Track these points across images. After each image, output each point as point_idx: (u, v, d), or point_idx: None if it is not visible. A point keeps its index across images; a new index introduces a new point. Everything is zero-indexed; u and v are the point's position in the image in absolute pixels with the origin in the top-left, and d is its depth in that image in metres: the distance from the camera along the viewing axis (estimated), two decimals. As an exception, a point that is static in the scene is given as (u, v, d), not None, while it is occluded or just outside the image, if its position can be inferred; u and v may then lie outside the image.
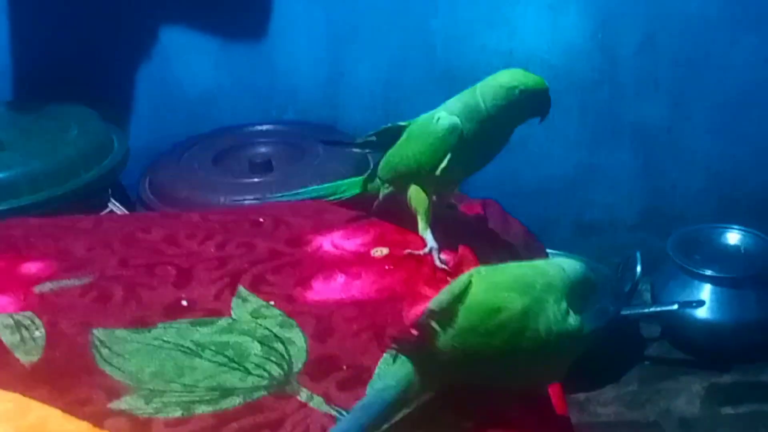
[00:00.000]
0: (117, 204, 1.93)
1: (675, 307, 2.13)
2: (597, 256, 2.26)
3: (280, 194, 1.41)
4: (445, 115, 1.19)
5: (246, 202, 1.85)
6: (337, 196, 1.31)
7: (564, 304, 0.93)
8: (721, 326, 2.17)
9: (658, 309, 2.19)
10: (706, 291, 2.18)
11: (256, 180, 1.99)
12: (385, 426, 0.88)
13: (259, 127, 2.22)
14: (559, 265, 0.97)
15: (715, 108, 2.27)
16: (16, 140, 1.96)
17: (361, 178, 1.31)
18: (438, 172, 1.18)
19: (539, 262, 0.99)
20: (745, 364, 2.19)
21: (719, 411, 2.08)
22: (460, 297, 0.91)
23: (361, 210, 1.29)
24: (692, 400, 2.11)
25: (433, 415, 0.90)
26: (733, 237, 2.29)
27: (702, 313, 2.16)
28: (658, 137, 2.31)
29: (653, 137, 2.31)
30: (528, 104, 1.18)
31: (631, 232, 2.39)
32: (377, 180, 1.27)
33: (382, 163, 1.26)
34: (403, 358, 0.91)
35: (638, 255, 2.22)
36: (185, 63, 2.24)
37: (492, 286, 0.93)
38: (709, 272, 2.18)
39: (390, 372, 0.94)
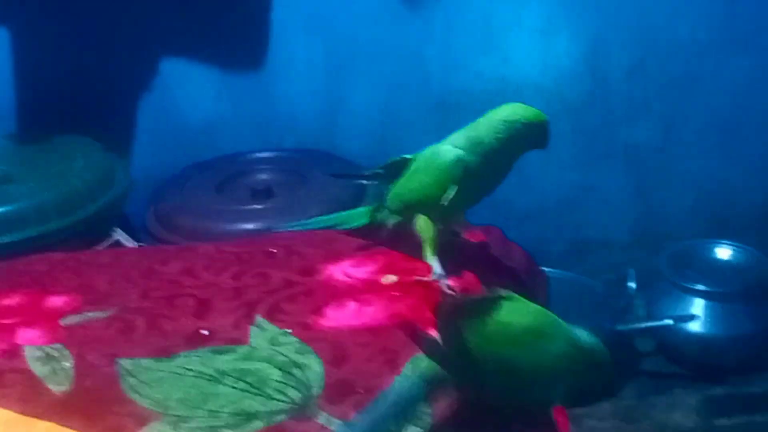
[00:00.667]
0: (122, 233, 1.97)
1: (669, 322, 2.18)
2: (592, 274, 2.32)
3: (290, 224, 1.45)
4: (450, 149, 1.24)
5: (251, 227, 1.91)
6: (345, 226, 1.36)
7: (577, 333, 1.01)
8: (714, 340, 2.22)
9: (652, 324, 2.24)
10: (698, 306, 2.23)
11: (258, 207, 2.04)
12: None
13: (259, 155, 2.27)
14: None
15: (705, 129, 2.32)
16: (22, 173, 1.98)
17: (368, 207, 1.36)
18: (443, 202, 1.23)
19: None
20: (738, 376, 2.24)
21: (714, 423, 2.13)
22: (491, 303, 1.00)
23: (370, 239, 1.34)
24: (687, 412, 2.16)
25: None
26: (724, 252, 2.34)
27: (695, 327, 2.21)
28: (649, 158, 2.36)
29: (645, 158, 2.36)
30: (528, 137, 1.24)
31: (625, 249, 2.44)
32: (385, 210, 1.32)
33: (390, 194, 1.31)
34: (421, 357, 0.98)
35: (632, 272, 2.28)
36: (186, 93, 2.28)
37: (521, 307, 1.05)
38: (701, 287, 2.22)
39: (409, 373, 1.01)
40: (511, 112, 1.24)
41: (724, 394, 2.21)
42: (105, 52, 2.22)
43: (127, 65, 2.25)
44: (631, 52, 2.25)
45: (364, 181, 1.34)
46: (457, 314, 1.05)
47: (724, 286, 2.24)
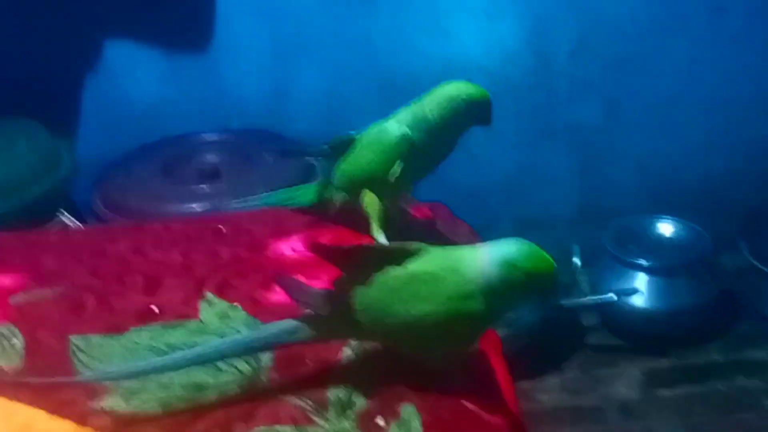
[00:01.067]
0: (68, 216, 1.95)
1: (612, 296, 2.22)
2: (537, 251, 2.35)
3: (237, 201, 1.46)
4: (396, 125, 1.26)
5: (198, 208, 1.91)
6: (293, 202, 1.37)
7: (470, 287, 0.98)
8: (657, 313, 2.27)
9: (596, 298, 2.27)
10: (641, 280, 2.28)
11: (205, 187, 2.04)
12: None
13: (206, 137, 2.27)
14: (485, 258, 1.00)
15: (646, 107, 2.37)
16: (-36, 156, 1.97)
17: (314, 184, 1.37)
18: (390, 178, 1.25)
19: (465, 252, 1.03)
20: (680, 349, 2.30)
21: (657, 394, 2.18)
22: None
23: (317, 216, 1.36)
24: (631, 384, 2.21)
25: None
26: (666, 228, 2.40)
27: (638, 301, 2.26)
28: (592, 136, 2.40)
29: (588, 136, 2.40)
30: (472, 113, 1.26)
31: (569, 226, 2.48)
32: (332, 187, 1.34)
33: (336, 172, 1.33)
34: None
35: (576, 248, 2.32)
36: (131, 75, 2.27)
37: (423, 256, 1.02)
38: (643, 262, 2.27)
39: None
40: (454, 89, 1.26)
41: (667, 366, 2.27)
42: (49, 35, 2.20)
43: (72, 47, 2.23)
44: (573, 33, 2.29)
45: (311, 158, 1.35)
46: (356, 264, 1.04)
47: (666, 260, 2.29)
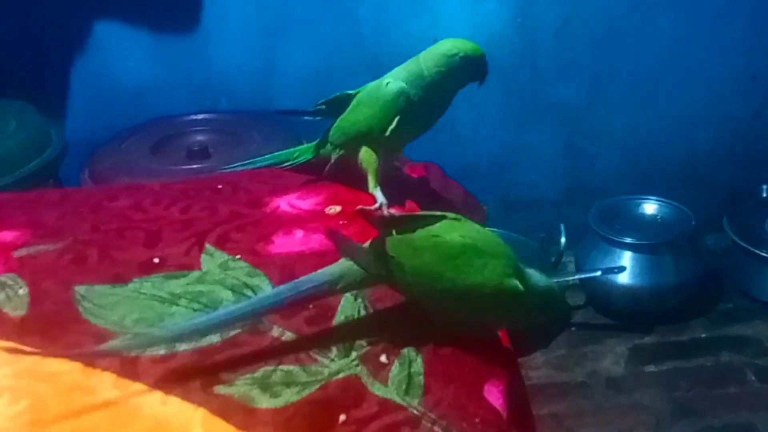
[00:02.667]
0: (58, 195, 1.96)
1: (598, 273, 2.22)
2: (523, 231, 2.37)
3: (236, 164, 1.47)
4: (393, 81, 1.28)
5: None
6: (290, 163, 1.39)
7: (510, 269, 1.03)
8: (642, 291, 2.30)
9: (583, 276, 2.31)
10: (626, 258, 2.30)
11: (194, 167, 2.03)
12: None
13: (195, 117, 2.27)
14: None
15: (629, 87, 2.40)
16: (-46, 135, 1.96)
17: (312, 144, 1.39)
18: (387, 133, 1.27)
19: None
20: (664, 326, 2.33)
21: (643, 369, 2.21)
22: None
23: (314, 174, 1.37)
24: (617, 360, 2.24)
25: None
26: (650, 207, 2.43)
27: (623, 279, 2.29)
28: (577, 116, 2.43)
29: (572, 116, 2.43)
30: (467, 69, 1.28)
31: (555, 206, 2.51)
32: (329, 145, 1.35)
33: (333, 129, 1.34)
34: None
35: (562, 227, 2.35)
36: (120, 55, 2.28)
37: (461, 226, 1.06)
38: (628, 240, 2.30)
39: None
40: (450, 46, 1.28)
41: (652, 342, 2.30)
42: (38, 14, 2.20)
43: (61, 28, 2.23)
44: (558, 13, 2.32)
45: (308, 117, 1.36)
46: (391, 225, 1.06)
47: (650, 238, 2.31)
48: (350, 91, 1.34)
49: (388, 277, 1.04)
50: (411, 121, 1.28)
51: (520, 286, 1.01)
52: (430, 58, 1.28)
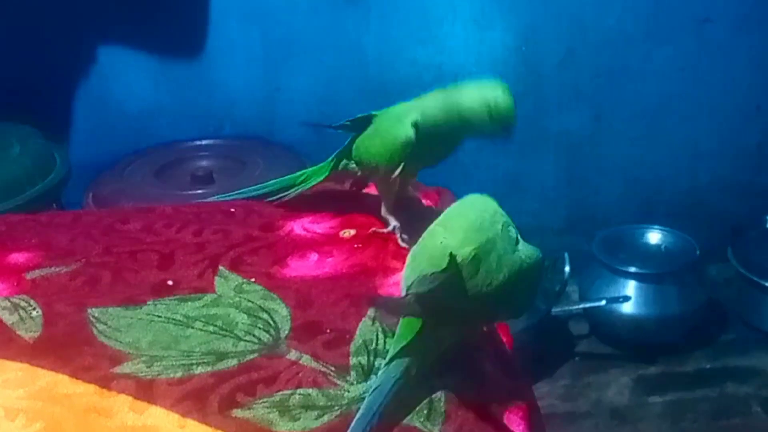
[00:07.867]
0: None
1: (602, 302, 2.24)
2: (527, 260, 2.36)
3: (249, 189, 1.43)
4: (408, 121, 1.22)
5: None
6: (307, 184, 1.35)
7: (513, 232, 1.04)
8: (646, 320, 2.29)
9: (587, 305, 2.30)
10: (630, 287, 2.30)
11: (199, 192, 2.03)
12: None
13: (199, 142, 2.28)
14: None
15: (633, 117, 2.41)
16: (-42, 160, 1.96)
17: (328, 160, 1.35)
18: (393, 175, 1.24)
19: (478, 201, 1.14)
20: (669, 356, 2.32)
21: (647, 400, 2.20)
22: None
23: (326, 198, 1.36)
24: (621, 390, 2.22)
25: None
26: (654, 236, 2.42)
27: (627, 308, 2.28)
28: (580, 146, 2.44)
29: (576, 146, 2.44)
30: (489, 129, 1.25)
31: (558, 235, 2.50)
32: (349, 159, 1.32)
33: (354, 145, 1.31)
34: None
35: (566, 256, 2.33)
36: (124, 81, 2.28)
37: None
38: (632, 269, 2.29)
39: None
40: (491, 96, 1.22)
41: (656, 372, 2.29)
42: (43, 40, 2.20)
43: (66, 53, 2.23)
44: (562, 43, 2.33)
45: (332, 129, 1.34)
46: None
47: (654, 267, 2.31)
48: (374, 112, 1.31)
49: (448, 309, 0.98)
50: (427, 154, 1.25)
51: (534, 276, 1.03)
52: (455, 105, 1.21)
